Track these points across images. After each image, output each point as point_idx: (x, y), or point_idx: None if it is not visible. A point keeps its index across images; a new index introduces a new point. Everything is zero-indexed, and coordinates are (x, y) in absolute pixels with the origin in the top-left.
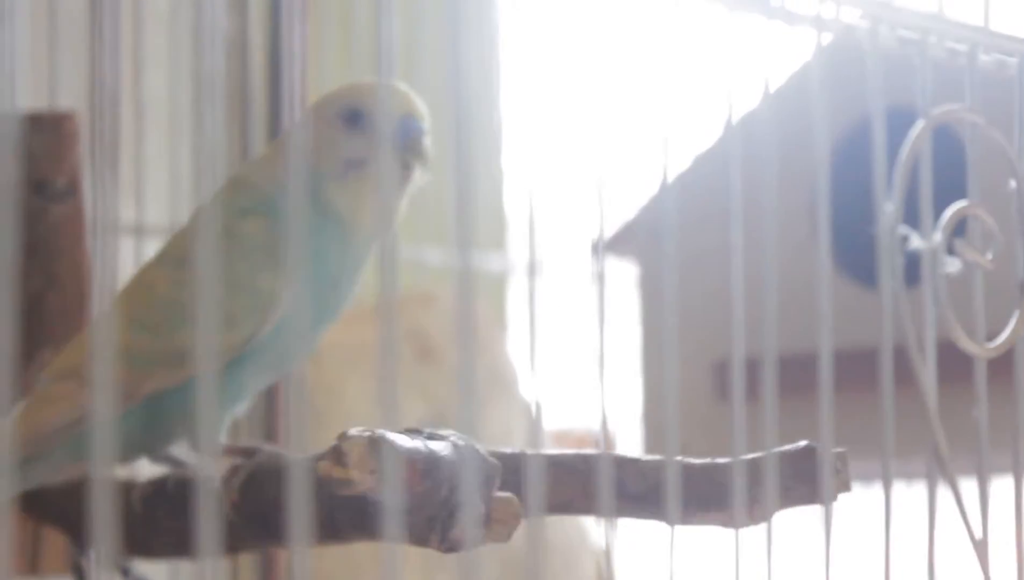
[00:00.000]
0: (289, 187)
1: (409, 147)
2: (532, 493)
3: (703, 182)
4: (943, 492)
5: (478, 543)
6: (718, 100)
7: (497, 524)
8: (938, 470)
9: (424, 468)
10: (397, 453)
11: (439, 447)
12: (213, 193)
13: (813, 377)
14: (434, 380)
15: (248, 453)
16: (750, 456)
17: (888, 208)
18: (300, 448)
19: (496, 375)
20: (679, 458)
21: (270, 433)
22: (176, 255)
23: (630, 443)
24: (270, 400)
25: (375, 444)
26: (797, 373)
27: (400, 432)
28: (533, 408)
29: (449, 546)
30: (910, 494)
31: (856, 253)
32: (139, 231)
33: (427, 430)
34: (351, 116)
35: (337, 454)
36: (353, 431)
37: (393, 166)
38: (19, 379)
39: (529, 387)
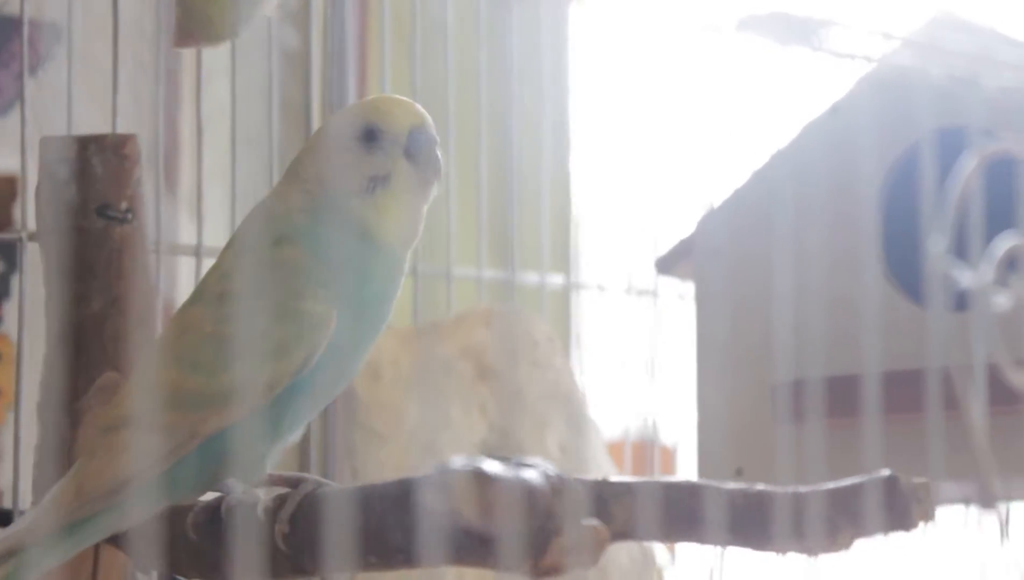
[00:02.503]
0: (326, 207)
1: (421, 158)
2: (643, 521)
3: (760, 200)
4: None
5: (568, 569)
6: (770, 124)
7: (585, 550)
8: (987, 498)
9: (520, 498)
10: (500, 486)
11: (532, 476)
12: (243, 227)
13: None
14: (495, 398)
15: (294, 483)
16: (833, 485)
17: (938, 243)
18: (350, 473)
19: (556, 393)
20: (764, 486)
21: (326, 456)
22: (215, 292)
23: (687, 457)
24: (325, 422)
25: (479, 478)
26: (847, 393)
27: (492, 459)
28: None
29: (541, 573)
30: (965, 515)
31: (913, 267)
32: (199, 252)
33: (514, 458)
34: (366, 134)
35: (441, 486)
36: (455, 463)
37: (413, 178)
38: (78, 401)
39: (591, 404)
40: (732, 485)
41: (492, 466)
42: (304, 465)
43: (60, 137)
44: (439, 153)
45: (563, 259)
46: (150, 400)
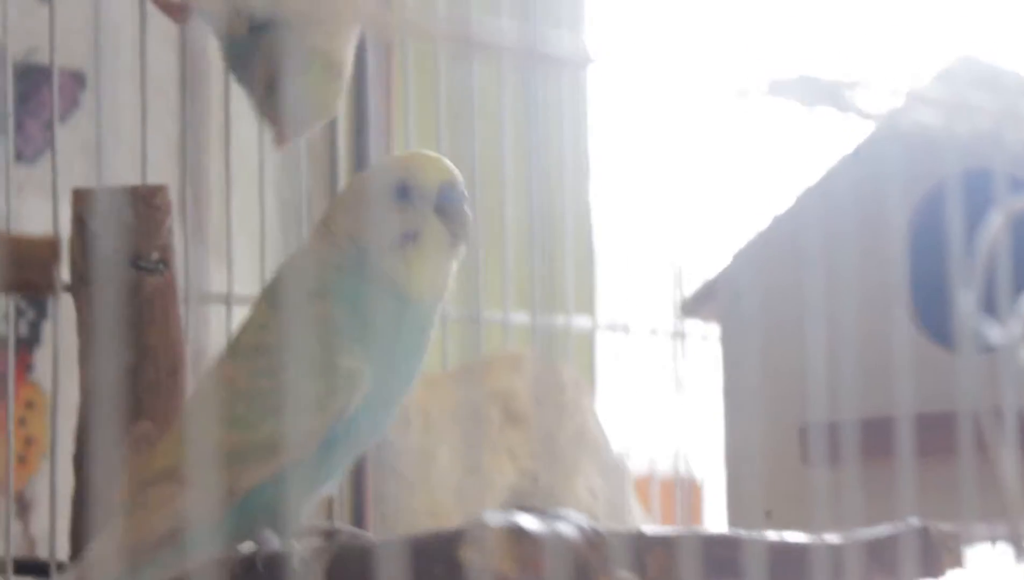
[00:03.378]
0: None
1: (451, 215)
2: (681, 573)
3: (785, 242)
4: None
5: None
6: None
7: None
8: (1017, 539)
9: (557, 553)
10: (537, 542)
11: (568, 530)
12: (274, 282)
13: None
14: (523, 443)
15: (328, 534)
16: (868, 535)
17: (967, 299)
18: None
19: (584, 437)
20: (800, 536)
21: (356, 502)
22: (250, 346)
23: (715, 495)
24: (356, 468)
25: (516, 534)
26: (878, 435)
27: (527, 512)
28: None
29: None
30: (997, 555)
31: (939, 310)
32: (229, 300)
33: (549, 511)
34: (398, 191)
35: (477, 542)
36: (492, 519)
37: (443, 234)
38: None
39: (618, 444)
40: (770, 536)
41: (528, 521)
42: (335, 512)
43: (92, 189)
44: (468, 209)
45: (588, 302)
46: (184, 456)
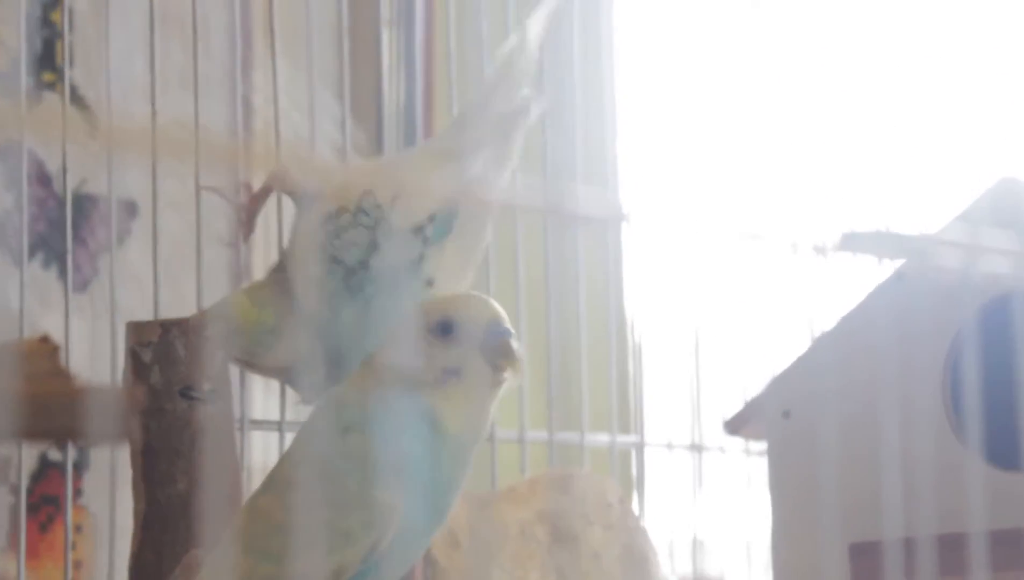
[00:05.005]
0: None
1: (499, 351)
2: None
3: (828, 362)
4: None
5: None
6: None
7: None
8: None
9: None
10: None
11: None
12: (314, 415)
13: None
14: (572, 562)
15: None
16: None
17: None
18: None
19: (631, 554)
20: None
21: None
22: (285, 480)
23: None
24: None
25: None
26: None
27: None
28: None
29: None
30: None
31: (992, 433)
32: (282, 427)
33: None
34: (443, 328)
35: None
36: None
37: (485, 371)
38: None
39: (665, 563)
40: None
41: None
42: None
43: (145, 322)
44: (515, 346)
45: (629, 419)
46: None
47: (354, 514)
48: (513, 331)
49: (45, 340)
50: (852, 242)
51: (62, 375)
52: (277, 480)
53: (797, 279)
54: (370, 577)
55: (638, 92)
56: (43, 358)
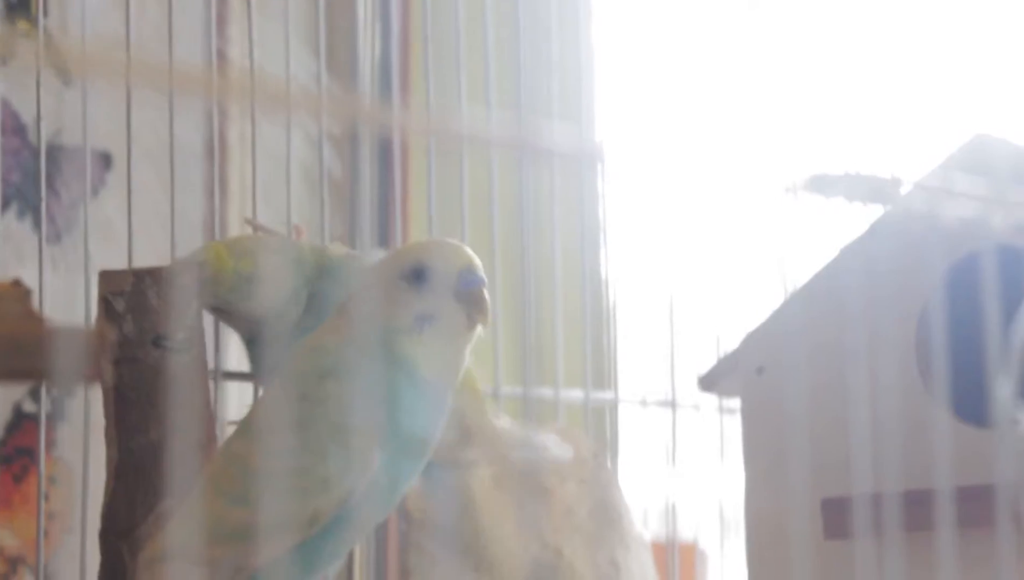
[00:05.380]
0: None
1: (471, 300)
2: None
3: (810, 317)
4: None
5: None
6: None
7: None
8: None
9: None
10: None
11: None
12: (289, 361)
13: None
14: (546, 516)
15: None
16: None
17: (1003, 387)
18: None
19: (606, 509)
20: None
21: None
22: (260, 425)
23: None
24: (378, 542)
25: None
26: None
27: None
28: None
29: None
30: None
31: (962, 390)
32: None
33: None
34: (416, 274)
35: None
36: None
37: (460, 317)
38: (137, 529)
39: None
40: None
41: None
42: None
43: (118, 271)
44: (487, 295)
45: (603, 375)
46: (194, 533)
47: (331, 460)
48: (485, 279)
49: (17, 283)
50: (822, 183)
51: (33, 318)
52: (252, 426)
53: (770, 223)
54: (345, 524)
55: (614, 28)
56: (15, 301)
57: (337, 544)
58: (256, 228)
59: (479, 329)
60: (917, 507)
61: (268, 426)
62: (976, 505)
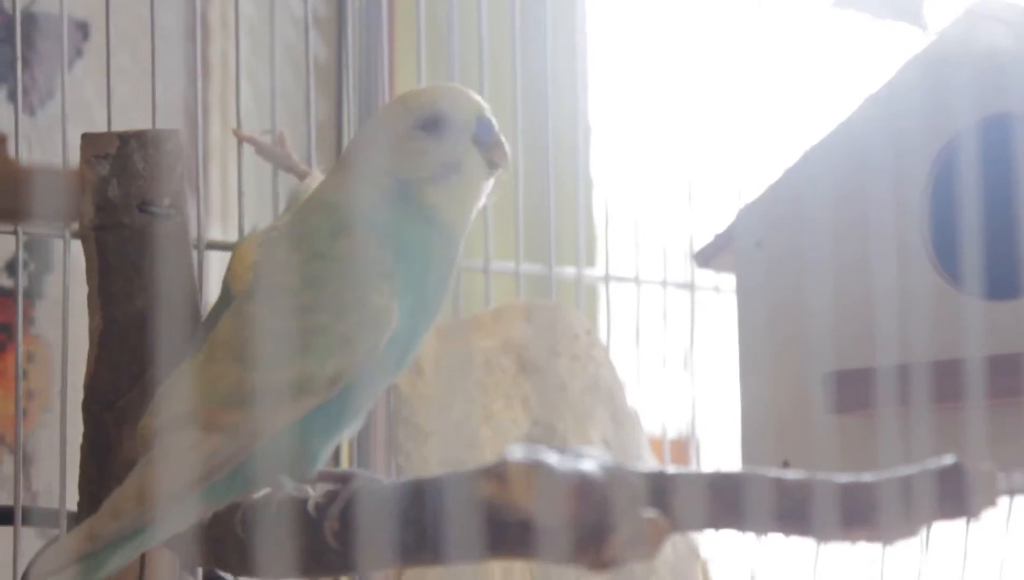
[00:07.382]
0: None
1: (492, 145)
2: (687, 512)
3: (802, 189)
4: None
5: (627, 561)
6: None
7: (643, 542)
8: None
9: (580, 490)
10: (559, 477)
11: (590, 468)
12: (295, 220)
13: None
14: (537, 392)
15: (343, 479)
16: (896, 474)
17: None
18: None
19: (598, 386)
20: (822, 476)
21: (363, 452)
22: (273, 287)
23: (729, 452)
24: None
25: (538, 469)
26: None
27: (549, 450)
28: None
29: (599, 565)
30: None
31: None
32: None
33: (571, 449)
34: (432, 122)
35: (499, 477)
36: (513, 455)
37: (481, 163)
38: (122, 399)
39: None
40: (795, 474)
41: (550, 457)
42: (342, 462)
43: (101, 133)
44: (505, 141)
45: (598, 253)
46: (206, 400)
47: (349, 319)
48: (499, 127)
49: None
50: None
51: (8, 160)
52: (264, 287)
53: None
54: (364, 383)
55: None
56: None
57: (359, 404)
58: (242, 139)
59: (499, 175)
60: (946, 378)
61: (280, 287)
62: (1004, 378)
